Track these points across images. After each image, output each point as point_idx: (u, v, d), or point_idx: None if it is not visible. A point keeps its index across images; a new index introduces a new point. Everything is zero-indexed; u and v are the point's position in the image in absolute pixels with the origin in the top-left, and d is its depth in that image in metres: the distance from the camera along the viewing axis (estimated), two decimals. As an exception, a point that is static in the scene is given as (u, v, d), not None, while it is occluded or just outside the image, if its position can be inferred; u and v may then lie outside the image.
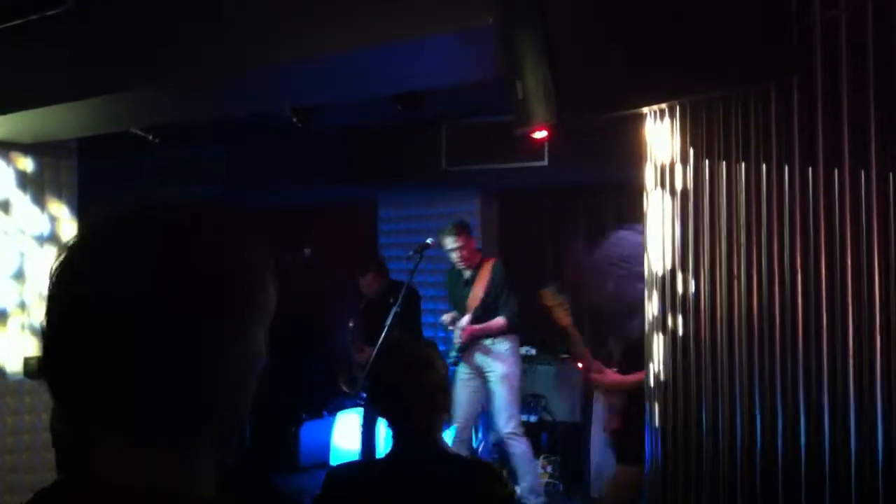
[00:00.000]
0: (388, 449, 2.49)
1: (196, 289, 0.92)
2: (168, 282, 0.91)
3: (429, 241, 6.05)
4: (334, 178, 7.95)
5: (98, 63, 4.52)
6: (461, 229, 6.11)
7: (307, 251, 5.77)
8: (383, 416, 2.53)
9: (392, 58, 3.81)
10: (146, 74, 4.40)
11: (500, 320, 6.02)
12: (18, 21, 4.63)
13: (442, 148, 7.42)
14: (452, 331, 6.13)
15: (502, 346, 5.99)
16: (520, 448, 5.87)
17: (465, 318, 5.99)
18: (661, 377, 3.33)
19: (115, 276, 0.91)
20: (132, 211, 0.97)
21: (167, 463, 0.94)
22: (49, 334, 0.93)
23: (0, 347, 5.54)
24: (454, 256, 6.11)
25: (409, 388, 2.43)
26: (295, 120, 5.69)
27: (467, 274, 6.17)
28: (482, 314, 6.02)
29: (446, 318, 6.28)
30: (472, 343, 6.00)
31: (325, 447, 7.09)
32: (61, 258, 0.95)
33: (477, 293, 6.02)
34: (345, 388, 6.74)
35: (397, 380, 2.47)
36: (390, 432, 2.49)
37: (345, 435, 6.97)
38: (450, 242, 6.07)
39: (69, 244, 0.97)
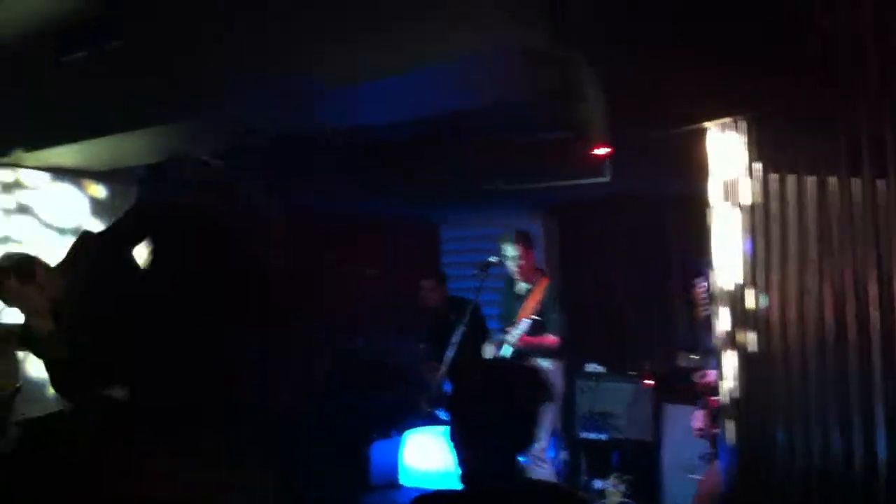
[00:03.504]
0: (469, 474, 2.36)
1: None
2: None
3: (492, 259, 6.02)
4: (398, 197, 8.00)
5: (164, 92, 4.64)
6: (521, 238, 6.02)
7: (372, 272, 5.81)
8: (468, 438, 2.38)
9: (449, 77, 3.84)
10: (208, 103, 4.50)
11: (552, 338, 5.89)
12: (85, 53, 4.79)
13: (501, 166, 7.41)
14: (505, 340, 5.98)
15: (544, 365, 5.87)
16: (540, 473, 5.71)
17: (522, 325, 5.82)
18: (733, 394, 3.28)
19: None
20: None
21: None
22: None
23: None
24: (511, 266, 6.01)
25: (499, 413, 2.32)
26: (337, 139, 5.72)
27: (522, 288, 6.09)
28: (530, 332, 5.87)
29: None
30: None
31: (396, 467, 7.11)
32: None
33: (528, 309, 5.92)
34: (426, 408, 6.66)
35: (488, 403, 2.35)
36: (470, 456, 2.37)
37: (415, 454, 6.98)
38: (509, 250, 6.00)
39: None
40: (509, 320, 6.03)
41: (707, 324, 3.82)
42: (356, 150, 6.15)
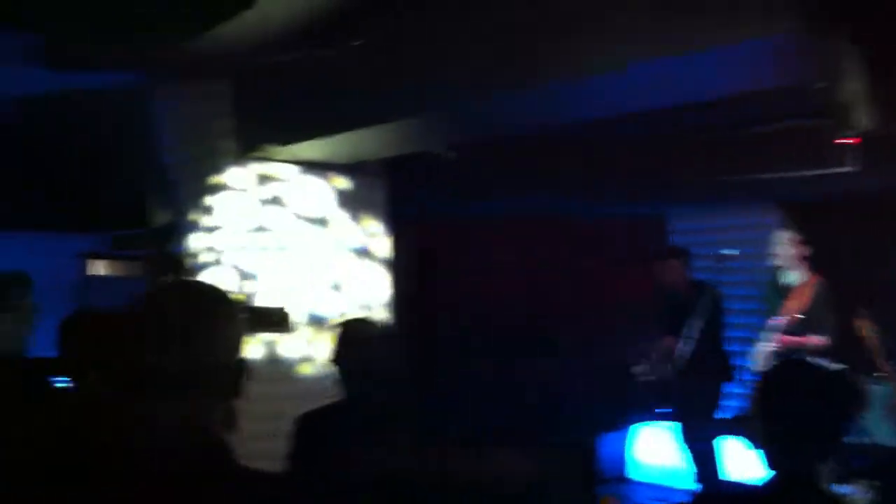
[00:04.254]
0: (761, 481, 2.24)
1: None
2: None
3: (728, 251, 5.83)
4: (623, 191, 7.92)
5: (407, 85, 4.81)
6: (796, 226, 5.78)
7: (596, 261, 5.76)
8: (761, 441, 2.25)
9: (692, 67, 3.76)
10: (446, 95, 4.62)
11: (817, 339, 5.61)
12: (333, 51, 5.04)
13: (733, 157, 7.16)
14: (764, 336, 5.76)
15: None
16: None
17: (781, 325, 5.63)
18: None
19: None
20: None
21: None
22: None
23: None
24: (781, 257, 5.77)
25: (804, 419, 2.21)
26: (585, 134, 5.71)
27: (790, 280, 5.83)
28: (796, 329, 5.68)
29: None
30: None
31: (623, 460, 7.07)
32: None
33: (795, 304, 5.68)
34: (655, 402, 6.51)
35: (796, 408, 2.22)
36: (763, 459, 2.25)
37: (644, 448, 6.91)
38: (783, 238, 5.77)
39: None
40: (772, 313, 5.78)
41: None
42: (587, 146, 6.13)
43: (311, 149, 5.74)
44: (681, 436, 6.06)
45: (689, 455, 5.96)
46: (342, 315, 6.10)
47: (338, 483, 2.51)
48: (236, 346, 1.76)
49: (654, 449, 6.47)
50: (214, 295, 1.82)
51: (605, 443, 7.28)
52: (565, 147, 7.05)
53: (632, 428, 7.11)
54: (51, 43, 5.08)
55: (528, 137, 6.43)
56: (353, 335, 3.19)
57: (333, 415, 3.12)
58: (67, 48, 5.18)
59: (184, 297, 1.79)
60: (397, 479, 2.69)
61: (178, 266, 5.41)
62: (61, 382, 3.22)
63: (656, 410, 6.38)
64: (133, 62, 5.43)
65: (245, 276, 5.82)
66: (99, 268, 8.00)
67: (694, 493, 2.48)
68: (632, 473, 7.00)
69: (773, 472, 2.22)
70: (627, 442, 7.06)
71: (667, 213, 8.60)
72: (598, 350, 7.54)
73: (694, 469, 5.93)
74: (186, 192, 6.08)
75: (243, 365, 1.75)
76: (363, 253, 6.28)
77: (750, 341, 6.46)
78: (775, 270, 5.88)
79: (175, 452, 1.64)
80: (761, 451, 2.25)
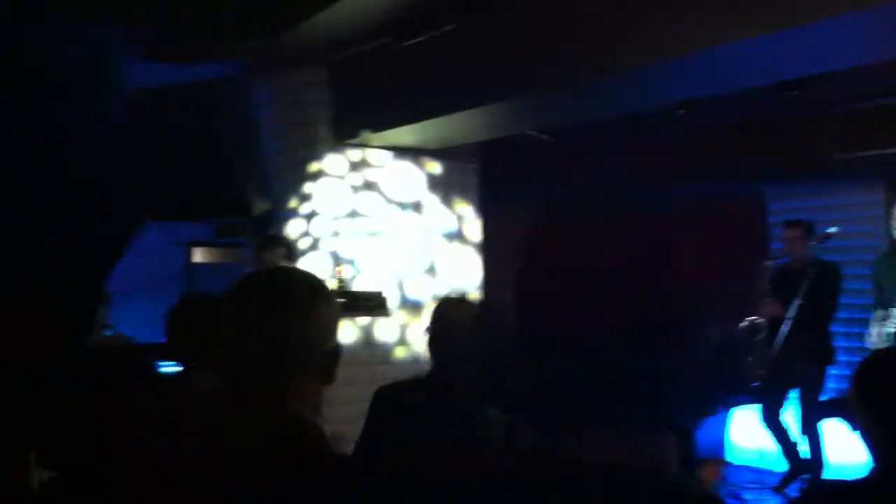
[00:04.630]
0: (871, 472, 2.18)
1: None
2: None
3: (831, 230, 5.66)
4: (717, 173, 7.76)
5: (498, 69, 4.83)
6: None
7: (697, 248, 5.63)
8: (863, 427, 2.20)
9: (799, 41, 3.67)
10: (546, 77, 4.62)
11: None
12: (424, 38, 5.09)
13: (834, 135, 6.93)
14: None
15: None
16: None
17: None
18: None
19: None
20: None
21: None
22: None
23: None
24: None
25: None
26: (682, 112, 5.63)
27: None
28: None
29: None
30: None
31: (720, 443, 6.97)
32: None
33: None
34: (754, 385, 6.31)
35: None
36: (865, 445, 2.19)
37: (741, 432, 6.81)
38: None
39: None
40: (885, 294, 5.55)
41: None
42: (681, 128, 6.03)
43: (402, 135, 5.82)
44: (780, 418, 5.95)
45: (788, 438, 5.86)
46: (436, 298, 6.18)
47: (411, 458, 2.54)
48: (331, 332, 1.79)
49: (753, 432, 6.36)
50: (308, 281, 1.86)
51: (704, 426, 7.19)
52: (672, 128, 6.94)
53: (730, 411, 7.01)
54: (156, 37, 5.26)
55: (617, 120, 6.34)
56: (448, 317, 3.22)
57: (413, 390, 3.15)
58: (171, 42, 5.37)
59: (278, 284, 1.83)
60: (476, 457, 2.71)
61: (286, 251, 5.55)
62: (168, 366, 3.35)
63: (756, 392, 6.25)
64: (235, 53, 5.59)
65: (341, 260, 5.94)
66: (203, 255, 8.26)
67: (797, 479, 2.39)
68: (730, 456, 6.90)
69: (875, 461, 2.16)
70: (726, 425, 6.97)
71: (770, 192, 8.40)
72: (699, 331, 7.42)
73: (793, 452, 5.82)
74: (285, 179, 6.24)
75: (337, 351, 1.78)
76: (456, 237, 6.34)
77: (854, 322, 6.30)
78: (886, 251, 5.66)
79: (269, 437, 1.68)
80: (863, 437, 2.18)
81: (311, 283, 1.85)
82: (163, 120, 5.95)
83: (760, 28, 3.54)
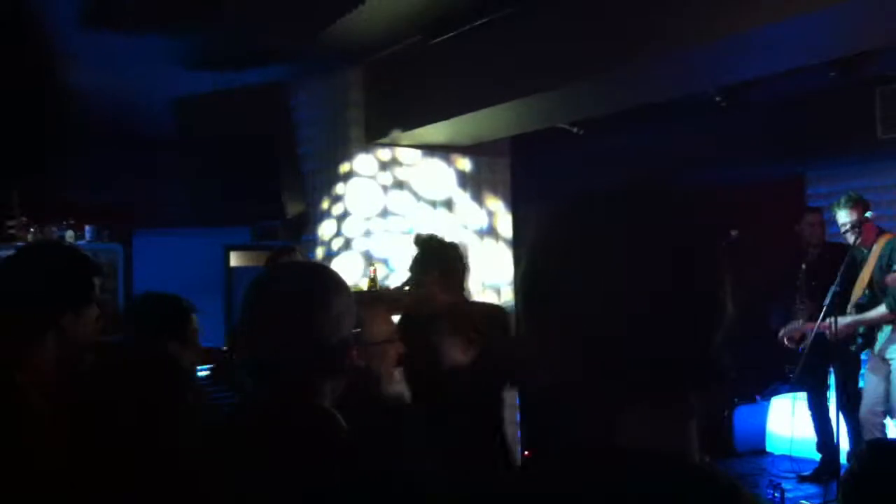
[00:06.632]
0: None
1: (693, 265, 1.00)
2: (668, 259, 0.98)
3: (868, 214, 5.56)
4: (757, 155, 7.67)
5: (529, 64, 4.82)
6: (854, 203, 5.49)
7: (733, 233, 5.58)
8: None
9: (843, 19, 3.61)
10: (579, 70, 4.60)
11: (876, 312, 5.37)
12: (453, 34, 5.10)
13: (877, 114, 6.81)
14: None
15: None
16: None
17: (847, 319, 5.42)
18: None
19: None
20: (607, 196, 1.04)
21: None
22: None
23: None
24: (847, 235, 5.52)
25: None
26: (719, 99, 5.57)
27: (863, 254, 5.56)
28: (868, 300, 5.43)
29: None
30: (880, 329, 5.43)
31: (760, 433, 6.91)
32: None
33: (864, 278, 5.44)
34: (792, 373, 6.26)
35: None
36: None
37: (780, 421, 6.74)
38: (841, 216, 5.52)
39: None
40: (847, 291, 5.56)
41: None
42: (721, 111, 5.96)
43: (432, 132, 5.84)
44: (821, 407, 5.89)
45: (828, 431, 5.80)
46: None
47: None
48: (349, 327, 1.81)
49: (793, 421, 6.29)
50: (324, 276, 1.89)
51: (744, 415, 7.14)
52: (690, 115, 6.88)
53: (770, 400, 6.95)
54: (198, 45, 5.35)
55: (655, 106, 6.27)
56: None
57: None
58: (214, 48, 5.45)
59: (294, 280, 1.88)
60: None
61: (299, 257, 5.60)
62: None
63: (795, 382, 6.17)
64: (271, 57, 5.65)
65: (374, 260, 5.98)
66: (240, 259, 8.35)
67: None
68: (770, 446, 6.84)
69: None
70: (765, 414, 6.91)
71: (805, 176, 8.28)
72: (742, 319, 7.33)
73: (829, 447, 5.78)
74: (318, 180, 6.28)
75: (347, 343, 1.80)
76: (487, 233, 6.34)
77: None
78: (852, 246, 5.59)
79: (291, 430, 1.72)
80: None
81: (320, 275, 1.89)
82: (204, 126, 6.04)
83: (804, 6, 3.50)
